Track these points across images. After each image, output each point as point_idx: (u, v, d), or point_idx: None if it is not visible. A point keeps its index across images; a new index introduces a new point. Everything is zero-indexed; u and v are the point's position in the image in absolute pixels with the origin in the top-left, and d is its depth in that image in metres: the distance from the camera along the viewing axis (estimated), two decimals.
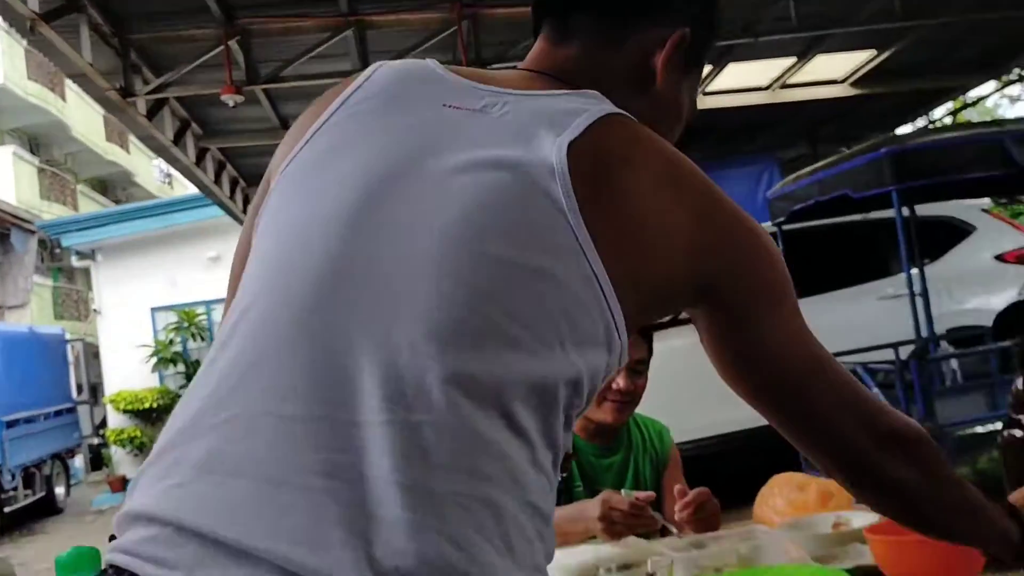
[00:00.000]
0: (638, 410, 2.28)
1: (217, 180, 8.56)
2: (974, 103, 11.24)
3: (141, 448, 13.09)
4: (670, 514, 2.17)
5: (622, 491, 1.91)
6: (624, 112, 0.90)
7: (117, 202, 21.04)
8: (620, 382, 2.14)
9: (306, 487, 0.70)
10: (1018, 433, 1.39)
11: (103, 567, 0.74)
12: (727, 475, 3.56)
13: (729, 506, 1.98)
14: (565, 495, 2.10)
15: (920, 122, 10.45)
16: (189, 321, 13.72)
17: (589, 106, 0.88)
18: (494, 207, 0.80)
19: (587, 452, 2.23)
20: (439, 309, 0.75)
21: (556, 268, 0.79)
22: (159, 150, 7.35)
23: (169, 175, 24.39)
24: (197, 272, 14.19)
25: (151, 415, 13.33)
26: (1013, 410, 1.43)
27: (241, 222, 10.75)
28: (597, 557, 1.74)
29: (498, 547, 0.72)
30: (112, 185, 23.08)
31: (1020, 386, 1.41)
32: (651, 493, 1.93)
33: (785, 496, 1.99)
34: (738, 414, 6.34)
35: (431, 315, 0.75)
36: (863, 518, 1.72)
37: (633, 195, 0.84)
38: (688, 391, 6.03)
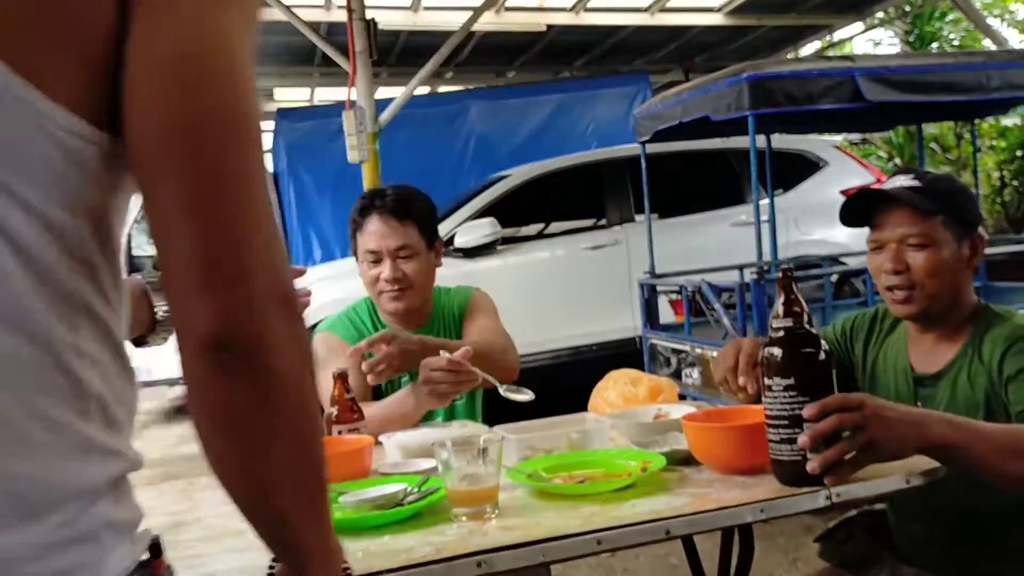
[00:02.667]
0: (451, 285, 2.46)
1: None
2: (840, 43, 11.67)
3: None
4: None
5: (440, 353, 2.02)
6: None
7: None
8: (385, 272, 2.27)
9: None
10: (775, 351, 1.44)
11: None
12: (561, 387, 3.74)
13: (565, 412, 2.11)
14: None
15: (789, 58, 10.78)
16: None
17: None
18: None
19: None
20: None
21: None
22: None
23: None
24: None
25: None
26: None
27: None
28: (437, 437, 1.82)
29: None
30: None
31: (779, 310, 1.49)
32: (467, 349, 2.03)
33: (618, 389, 2.11)
34: (568, 332, 6.52)
35: None
36: (682, 410, 1.85)
37: None
38: (524, 308, 6.24)
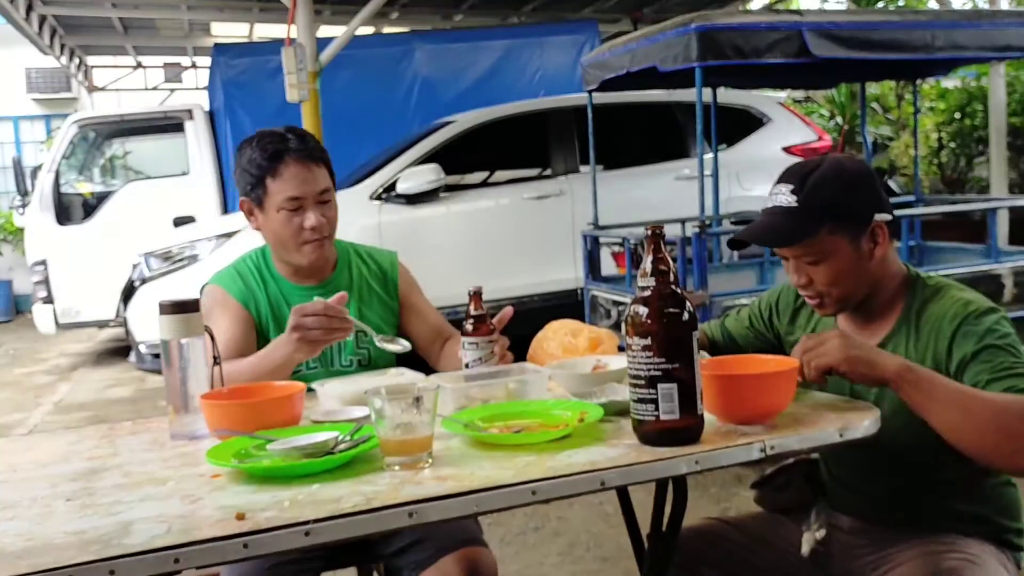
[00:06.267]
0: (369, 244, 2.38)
1: None
2: None
3: None
4: (423, 333, 2.30)
5: (314, 298, 1.92)
6: None
7: None
8: (311, 220, 2.12)
9: None
10: (639, 309, 1.42)
11: None
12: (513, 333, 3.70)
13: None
14: None
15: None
16: None
17: None
18: None
19: (302, 293, 2.20)
20: None
21: None
22: None
23: None
24: None
25: None
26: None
27: (23, 32, 9.67)
28: (371, 385, 1.77)
29: None
30: None
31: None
32: (343, 294, 1.93)
33: (558, 340, 2.08)
34: (510, 282, 6.47)
35: None
36: (621, 361, 1.83)
37: None
38: (466, 257, 6.19)
